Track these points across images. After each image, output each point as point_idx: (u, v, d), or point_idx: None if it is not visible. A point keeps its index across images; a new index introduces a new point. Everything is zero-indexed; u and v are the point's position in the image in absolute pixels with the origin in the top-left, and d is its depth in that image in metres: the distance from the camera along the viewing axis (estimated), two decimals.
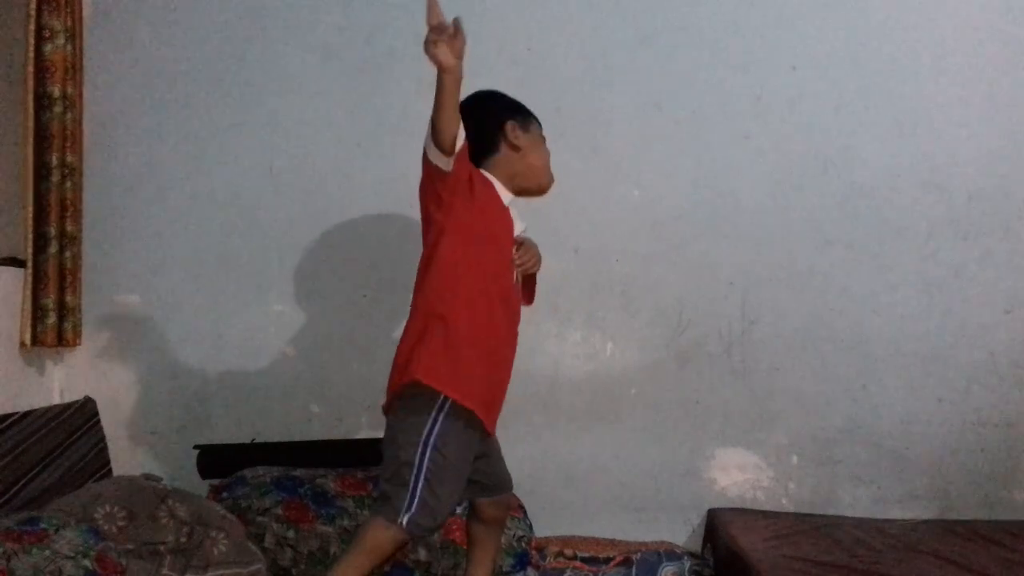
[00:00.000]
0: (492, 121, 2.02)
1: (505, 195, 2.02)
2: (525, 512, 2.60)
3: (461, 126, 1.82)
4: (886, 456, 2.79)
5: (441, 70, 1.76)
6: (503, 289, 1.97)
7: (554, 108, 2.80)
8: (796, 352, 2.81)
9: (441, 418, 1.87)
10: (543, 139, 2.10)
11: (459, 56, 1.76)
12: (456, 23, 1.75)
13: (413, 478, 1.84)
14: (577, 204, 2.80)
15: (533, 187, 2.06)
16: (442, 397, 1.86)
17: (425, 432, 1.86)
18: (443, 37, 1.73)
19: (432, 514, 1.86)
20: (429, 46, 1.73)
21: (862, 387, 2.80)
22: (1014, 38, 2.81)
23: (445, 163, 1.84)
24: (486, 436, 1.99)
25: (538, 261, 2.09)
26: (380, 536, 1.85)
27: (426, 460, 1.85)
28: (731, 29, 2.84)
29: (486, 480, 2.07)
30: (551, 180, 2.09)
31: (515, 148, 2.03)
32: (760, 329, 2.82)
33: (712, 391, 2.81)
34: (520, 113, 2.08)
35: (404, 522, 1.83)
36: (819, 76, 2.83)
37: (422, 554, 2.41)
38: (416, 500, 1.84)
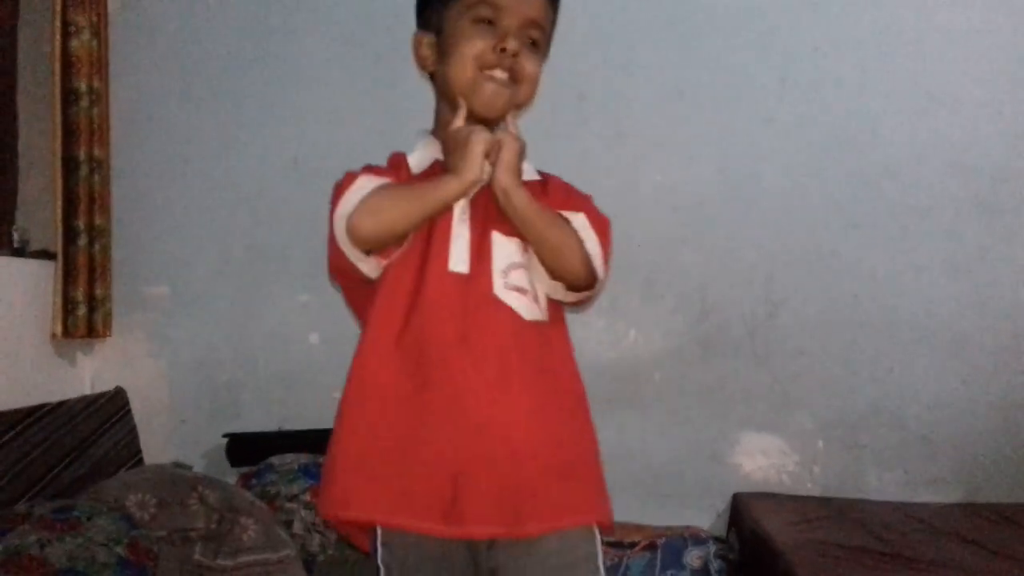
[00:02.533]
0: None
1: (427, 153, 1.42)
2: None
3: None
4: (912, 439, 2.77)
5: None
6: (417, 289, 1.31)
7: (577, 95, 2.83)
8: (820, 336, 2.79)
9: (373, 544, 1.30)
10: (474, 20, 1.34)
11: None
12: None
13: None
14: (600, 190, 2.75)
15: (471, 108, 1.36)
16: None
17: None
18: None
19: None
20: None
21: (888, 370, 2.78)
22: None
23: None
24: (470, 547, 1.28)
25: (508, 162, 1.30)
26: None
27: None
28: (753, 12, 2.81)
29: None
30: (476, 88, 1.35)
31: (428, 65, 1.44)
32: (784, 313, 2.80)
33: (736, 376, 2.80)
34: (435, 5, 1.41)
35: None
36: (842, 57, 2.80)
37: None
38: None
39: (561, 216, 1.35)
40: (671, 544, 2.57)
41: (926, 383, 2.77)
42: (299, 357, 2.87)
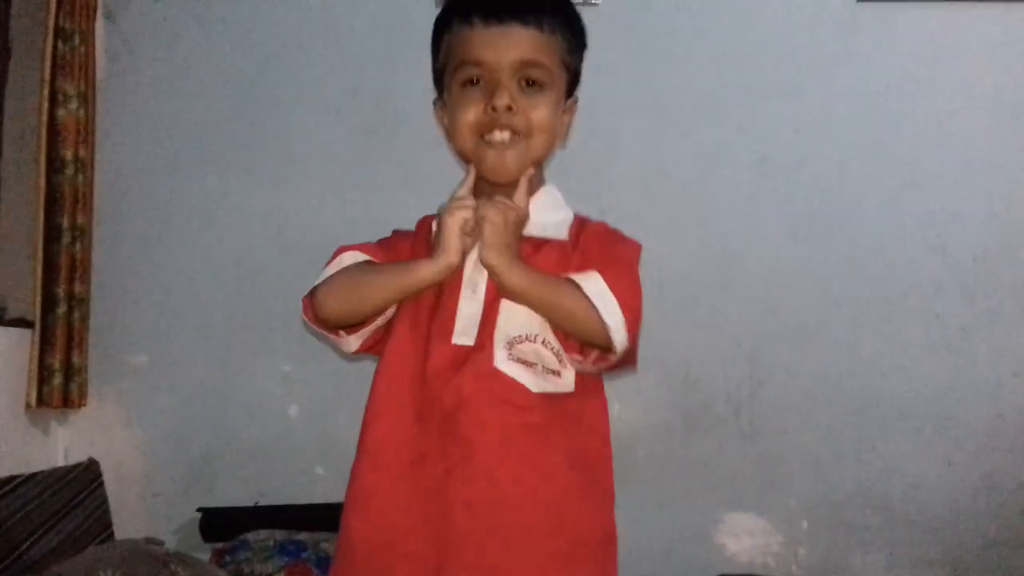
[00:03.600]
0: None
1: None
2: None
3: None
4: (897, 520, 2.74)
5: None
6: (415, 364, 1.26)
7: (559, 169, 2.83)
8: (805, 414, 2.78)
9: None
10: (461, 84, 1.27)
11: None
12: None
13: None
14: None
15: (481, 175, 1.31)
16: None
17: None
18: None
19: None
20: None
21: (871, 449, 2.77)
22: (1018, 100, 2.83)
23: None
24: None
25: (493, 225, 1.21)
26: None
27: None
28: (734, 93, 2.87)
29: None
30: (480, 155, 1.28)
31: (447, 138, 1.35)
32: (768, 390, 2.80)
33: (720, 453, 2.78)
34: (436, 66, 1.35)
35: None
36: (822, 138, 2.85)
37: None
38: None
39: (569, 282, 1.22)
40: None
41: (910, 463, 2.76)
42: (278, 430, 2.83)
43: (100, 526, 2.62)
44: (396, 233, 1.41)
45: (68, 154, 2.65)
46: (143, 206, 2.90)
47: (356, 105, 2.92)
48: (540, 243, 1.27)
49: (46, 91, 2.63)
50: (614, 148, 2.87)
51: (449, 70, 1.27)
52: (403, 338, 1.26)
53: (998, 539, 2.73)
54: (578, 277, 1.23)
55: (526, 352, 1.23)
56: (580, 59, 1.36)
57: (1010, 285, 2.78)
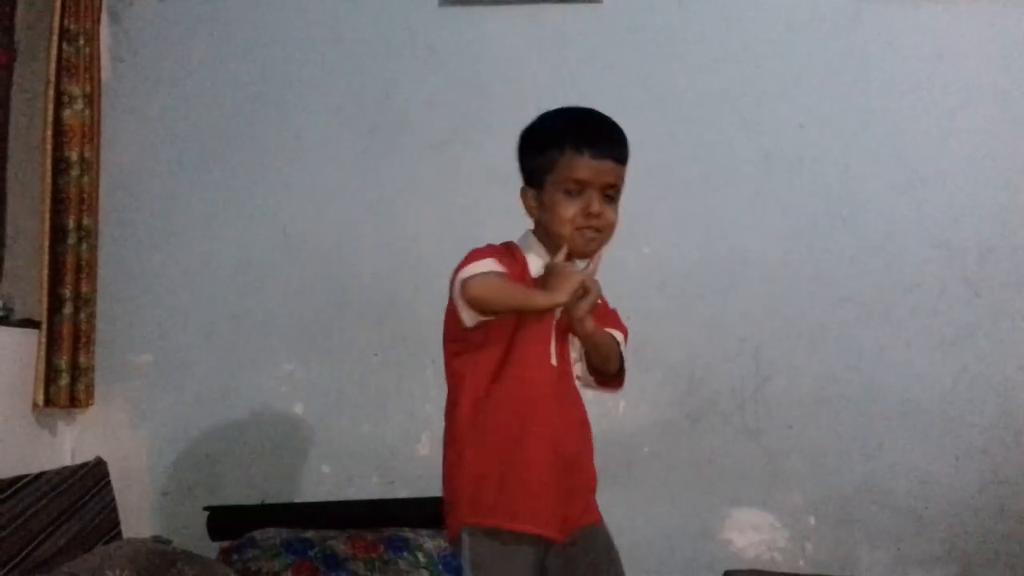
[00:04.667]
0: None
1: (541, 261, 1.73)
2: None
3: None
4: (904, 516, 2.75)
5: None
6: (531, 374, 1.70)
7: None
8: (810, 410, 2.79)
9: (473, 546, 1.66)
10: (566, 192, 1.69)
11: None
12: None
13: None
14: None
15: (572, 253, 1.71)
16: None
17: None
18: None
19: None
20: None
21: (878, 446, 2.77)
22: (1021, 96, 2.83)
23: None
24: (548, 544, 1.68)
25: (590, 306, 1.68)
26: None
27: None
28: (739, 90, 2.88)
29: None
30: (574, 241, 1.69)
31: (533, 213, 1.77)
32: (773, 387, 2.80)
33: (726, 450, 2.79)
34: (532, 160, 1.77)
35: None
36: (827, 135, 2.85)
37: None
38: None
39: (610, 334, 1.78)
40: None
41: (916, 459, 2.76)
42: (283, 428, 2.84)
43: (108, 525, 2.63)
44: (504, 248, 1.77)
45: (74, 155, 2.66)
46: (148, 206, 2.91)
47: (359, 106, 2.93)
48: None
49: (51, 92, 2.64)
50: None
51: (552, 177, 1.71)
52: (495, 352, 1.70)
53: (1004, 534, 2.73)
54: (612, 331, 1.80)
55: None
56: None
57: (1015, 281, 2.78)
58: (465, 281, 1.62)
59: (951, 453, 2.75)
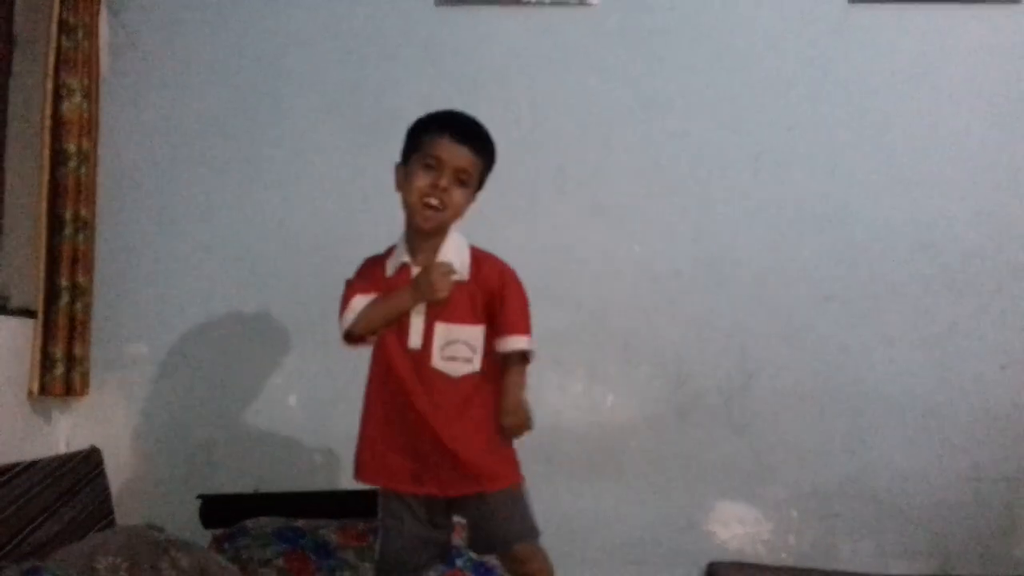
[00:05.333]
0: None
1: (398, 256, 2.01)
2: None
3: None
4: (885, 510, 2.79)
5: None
6: (392, 360, 1.97)
7: (557, 167, 2.90)
8: (794, 406, 2.83)
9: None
10: (424, 166, 1.93)
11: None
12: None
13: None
14: (579, 260, 2.86)
15: (411, 223, 1.99)
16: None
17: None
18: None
19: (384, 561, 2.02)
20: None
21: (860, 441, 2.82)
22: (1005, 100, 2.89)
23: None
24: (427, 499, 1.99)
25: (521, 424, 1.99)
26: None
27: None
28: (729, 91, 2.92)
29: (479, 537, 2.04)
30: (416, 209, 1.94)
31: (398, 187, 2.01)
32: (758, 383, 2.84)
33: (712, 444, 2.83)
34: (407, 144, 2.01)
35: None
36: (815, 137, 2.90)
37: None
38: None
39: (519, 359, 1.98)
40: None
41: (898, 454, 2.81)
42: (276, 419, 2.87)
43: (101, 513, 2.65)
44: (365, 266, 2.09)
45: (72, 147, 2.68)
46: (145, 198, 2.94)
47: (356, 101, 2.96)
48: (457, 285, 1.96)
49: (50, 85, 2.66)
50: (609, 146, 2.92)
51: (417, 156, 1.95)
52: (381, 344, 2.02)
53: (984, 529, 2.78)
54: (511, 344, 1.97)
55: (454, 351, 1.97)
56: (487, 173, 2.02)
57: (997, 281, 2.84)
58: (344, 333, 2.02)
59: (933, 449, 2.80)
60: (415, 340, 1.96)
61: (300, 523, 2.56)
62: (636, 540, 2.79)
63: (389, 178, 2.95)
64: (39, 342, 2.62)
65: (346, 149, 2.95)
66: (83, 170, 2.71)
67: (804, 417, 2.83)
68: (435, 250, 1.97)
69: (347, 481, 2.82)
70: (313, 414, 2.87)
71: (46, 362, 2.64)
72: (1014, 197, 2.86)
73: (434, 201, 1.92)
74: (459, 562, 2.49)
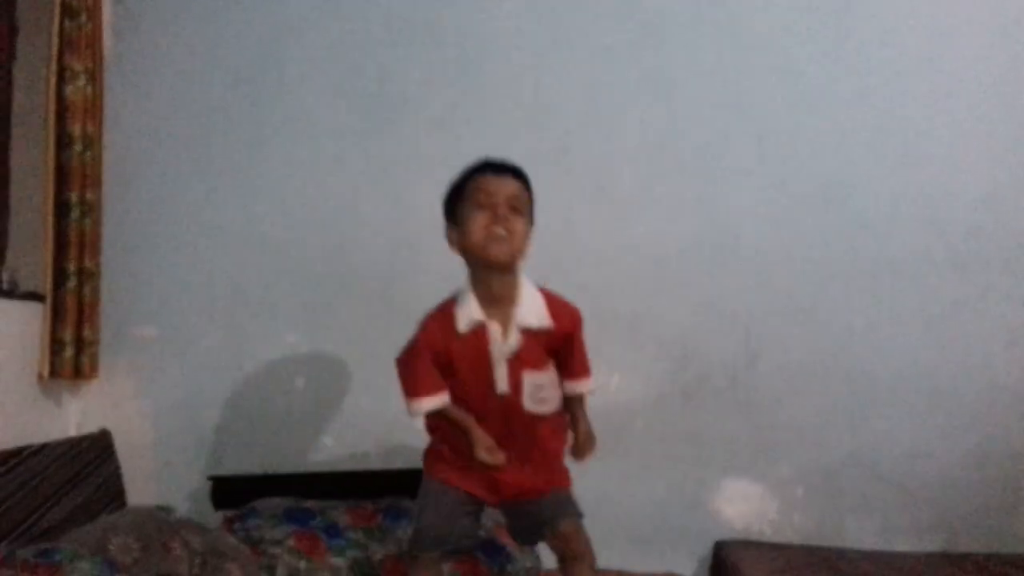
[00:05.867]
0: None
1: (468, 313, 2.01)
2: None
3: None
4: (890, 488, 2.81)
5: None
6: (477, 406, 2.04)
7: (560, 149, 2.89)
8: (799, 385, 2.84)
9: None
10: (477, 205, 1.96)
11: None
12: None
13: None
14: (583, 241, 2.86)
15: (484, 261, 1.97)
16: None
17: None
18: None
19: (419, 534, 2.11)
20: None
21: (865, 419, 2.83)
22: (1012, 78, 2.86)
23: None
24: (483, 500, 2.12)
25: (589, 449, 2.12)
26: (406, 557, 2.22)
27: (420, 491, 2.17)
28: (732, 70, 2.90)
29: (527, 527, 2.15)
30: (486, 243, 1.95)
31: (455, 244, 2.04)
32: (763, 363, 2.85)
33: (717, 423, 2.84)
34: (451, 204, 2.04)
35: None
36: (819, 115, 2.89)
37: None
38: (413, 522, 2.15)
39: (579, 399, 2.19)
40: None
41: (903, 432, 2.81)
42: (285, 400, 2.89)
43: (113, 494, 2.68)
44: (429, 330, 2.06)
45: (76, 130, 2.68)
46: (151, 181, 2.94)
47: (359, 82, 2.95)
48: (533, 332, 2.04)
49: (53, 68, 2.66)
50: (614, 126, 2.91)
51: (466, 203, 1.98)
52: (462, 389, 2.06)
53: (989, 506, 2.79)
54: (582, 387, 2.19)
55: (541, 394, 2.08)
56: (532, 207, 2.04)
57: (1002, 259, 2.83)
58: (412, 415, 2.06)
59: (937, 427, 2.81)
60: (502, 386, 2.02)
61: (310, 504, 2.58)
62: (642, 520, 2.81)
63: (393, 157, 2.97)
64: (48, 326, 2.64)
65: (349, 130, 2.94)
66: (88, 154, 2.72)
67: (809, 395, 2.83)
68: (511, 303, 2.01)
69: (355, 462, 2.86)
70: (321, 396, 2.89)
71: (55, 346, 2.66)
72: (1020, 174, 2.84)
73: (499, 230, 1.94)
74: None
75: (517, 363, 2.02)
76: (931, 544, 2.78)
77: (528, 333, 2.01)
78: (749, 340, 2.85)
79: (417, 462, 2.77)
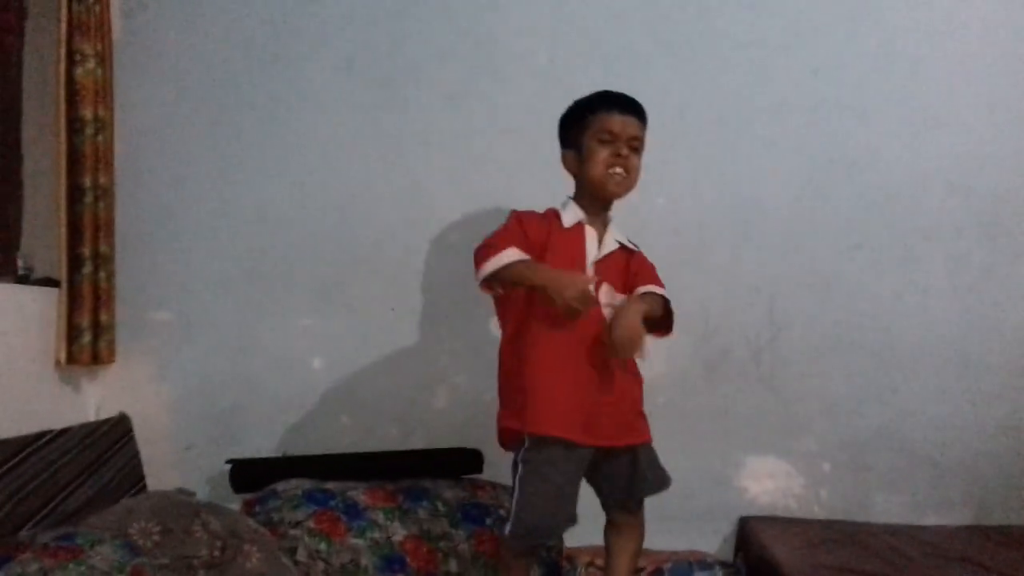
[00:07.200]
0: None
1: (574, 214, 2.18)
2: None
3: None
4: (919, 461, 2.76)
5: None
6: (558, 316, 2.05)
7: None
8: (825, 358, 2.79)
9: (523, 447, 2.13)
10: (600, 141, 2.14)
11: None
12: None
13: (511, 496, 2.13)
14: None
15: (601, 194, 2.18)
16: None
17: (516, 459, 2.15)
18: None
19: (522, 522, 2.08)
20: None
21: (893, 392, 2.78)
22: None
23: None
24: (588, 450, 2.12)
25: (632, 340, 2.05)
26: (501, 550, 2.27)
27: (516, 480, 2.12)
28: (752, 36, 2.84)
29: (606, 493, 2.24)
30: (606, 180, 2.15)
31: (573, 170, 2.21)
32: (788, 336, 2.80)
33: (741, 399, 2.80)
34: (570, 130, 2.21)
35: (506, 531, 2.13)
36: (841, 80, 2.82)
37: (453, 565, 2.43)
38: (512, 512, 2.11)
39: (660, 296, 2.25)
40: (677, 569, 2.56)
41: (932, 405, 2.76)
42: (302, 382, 2.87)
43: (133, 478, 2.68)
44: (533, 214, 2.19)
45: (88, 114, 2.66)
46: (164, 163, 2.92)
47: (370, 57, 2.91)
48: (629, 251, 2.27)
49: (63, 51, 2.63)
50: (632, 92, 2.81)
51: (590, 134, 2.15)
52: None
53: (1020, 479, 2.74)
54: (654, 289, 2.25)
55: None
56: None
57: None
58: (484, 280, 2.09)
59: (966, 398, 2.75)
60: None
61: (329, 485, 2.57)
62: (667, 496, 2.74)
63: (406, 133, 2.94)
64: (64, 311, 2.63)
65: (362, 106, 2.90)
66: (100, 137, 2.70)
67: (835, 368, 2.79)
68: (607, 221, 2.23)
69: (374, 443, 2.84)
70: (338, 377, 2.87)
71: (72, 331, 2.65)
72: None
73: (619, 169, 2.14)
74: (488, 520, 2.50)
75: (603, 270, 2.16)
76: (960, 518, 2.75)
77: (616, 250, 2.21)
78: (773, 313, 2.80)
79: (438, 440, 2.78)
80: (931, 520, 2.73)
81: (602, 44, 2.87)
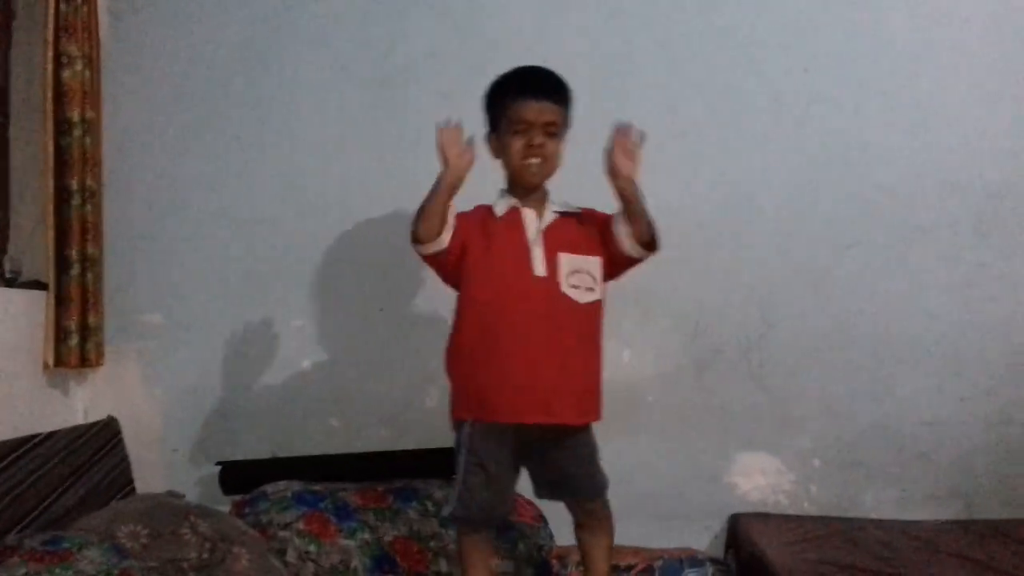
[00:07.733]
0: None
1: (506, 203, 2.16)
2: (545, 521, 2.60)
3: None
4: (910, 457, 2.76)
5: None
6: (516, 291, 2.08)
7: (575, 115, 2.83)
8: (817, 355, 2.78)
9: (463, 431, 2.15)
10: (514, 132, 2.11)
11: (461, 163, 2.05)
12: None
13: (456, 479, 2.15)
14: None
15: (519, 182, 2.16)
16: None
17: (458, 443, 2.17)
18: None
19: (464, 503, 2.11)
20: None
21: (885, 388, 2.77)
22: None
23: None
24: (526, 431, 2.08)
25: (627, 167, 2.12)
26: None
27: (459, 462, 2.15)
28: (745, 32, 2.83)
29: (554, 481, 2.20)
30: (523, 171, 2.13)
31: (495, 155, 2.19)
32: (779, 333, 2.79)
33: (732, 396, 2.79)
34: (491, 112, 2.18)
35: (448, 513, 2.18)
36: (835, 76, 2.81)
37: (443, 565, 2.42)
38: (455, 494, 2.14)
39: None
40: (668, 566, 2.55)
41: (923, 401, 2.76)
42: (292, 383, 2.86)
43: (121, 482, 2.67)
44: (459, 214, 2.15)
45: (75, 115, 2.65)
46: (152, 165, 2.91)
47: (364, 57, 2.90)
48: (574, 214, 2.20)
49: (50, 53, 2.62)
50: (624, 91, 2.84)
51: (504, 121, 2.12)
52: (485, 269, 2.11)
53: (1011, 475, 2.73)
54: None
55: (578, 280, 2.13)
56: (570, 113, 2.19)
57: None
58: (412, 235, 2.10)
59: (958, 395, 2.75)
60: (539, 268, 2.09)
61: (319, 487, 2.56)
62: (657, 494, 2.77)
63: (401, 133, 2.92)
64: (52, 314, 2.62)
65: (356, 107, 2.89)
66: (88, 139, 2.69)
67: (827, 365, 2.78)
68: (543, 199, 2.18)
69: (364, 443, 2.83)
70: (328, 378, 2.87)
71: (60, 334, 2.64)
72: None
73: (535, 160, 2.12)
74: None
75: (553, 244, 2.12)
76: (950, 512, 2.74)
77: (562, 217, 2.17)
78: (765, 310, 2.79)
79: (428, 440, 2.77)
80: (921, 515, 2.72)
81: (595, 42, 2.87)
